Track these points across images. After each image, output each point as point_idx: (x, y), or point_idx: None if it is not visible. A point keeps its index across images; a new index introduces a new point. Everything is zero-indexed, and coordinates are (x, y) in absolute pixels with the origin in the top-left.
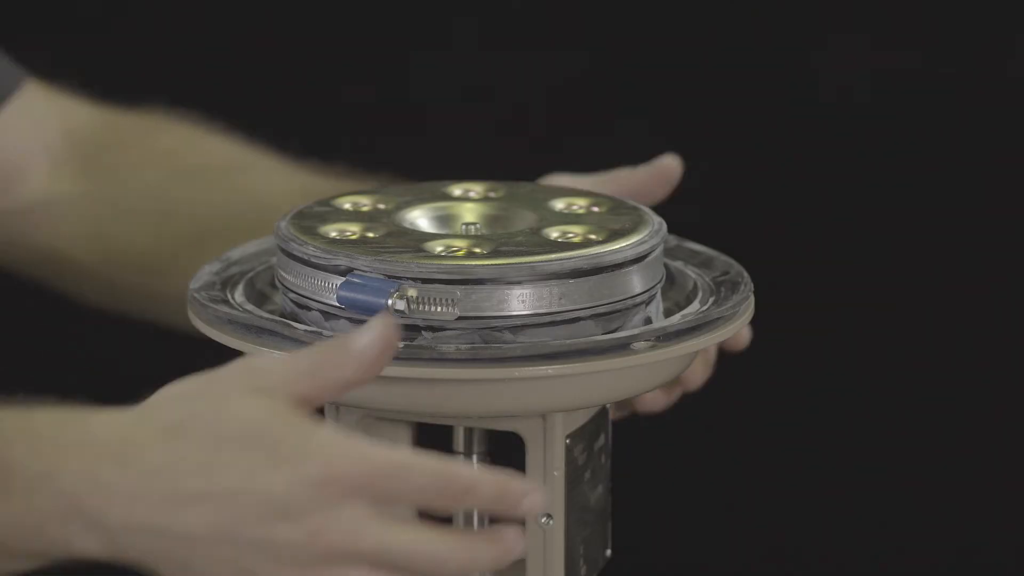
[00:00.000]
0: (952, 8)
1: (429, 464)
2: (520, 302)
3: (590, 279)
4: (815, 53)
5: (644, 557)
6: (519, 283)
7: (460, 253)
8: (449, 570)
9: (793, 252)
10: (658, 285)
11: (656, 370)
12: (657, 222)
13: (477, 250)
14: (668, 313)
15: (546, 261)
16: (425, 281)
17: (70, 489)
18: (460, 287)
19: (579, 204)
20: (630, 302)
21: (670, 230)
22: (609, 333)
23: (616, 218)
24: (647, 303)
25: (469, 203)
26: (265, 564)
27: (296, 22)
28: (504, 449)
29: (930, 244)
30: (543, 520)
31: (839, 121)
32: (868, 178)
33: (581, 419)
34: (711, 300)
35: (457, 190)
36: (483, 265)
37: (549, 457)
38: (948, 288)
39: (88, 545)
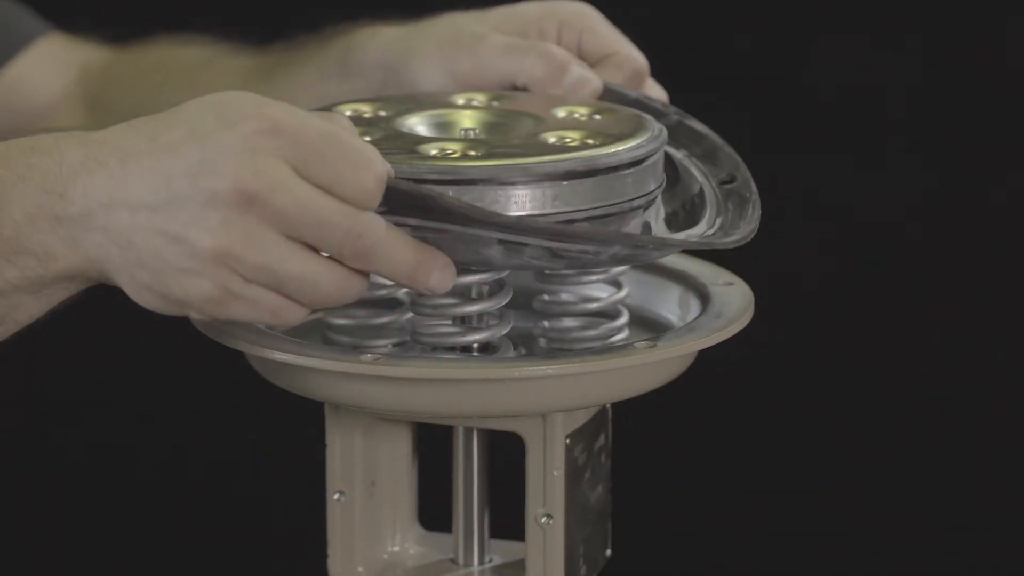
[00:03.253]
0: (950, 5)
1: (354, 152)
2: (515, 204)
3: (585, 181)
4: (814, 48)
5: (644, 557)
6: (512, 184)
7: (454, 155)
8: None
9: (792, 252)
10: (658, 190)
11: (656, 370)
12: (658, 128)
13: (472, 152)
14: (671, 217)
15: (540, 163)
16: (418, 181)
17: (36, 189)
18: (452, 187)
19: (580, 112)
20: (627, 206)
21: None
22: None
23: (616, 124)
24: (645, 208)
25: (469, 110)
26: (191, 227)
27: None
28: (504, 449)
29: (930, 244)
30: (543, 520)
31: (838, 121)
32: (868, 176)
33: (581, 419)
34: (717, 221)
35: (460, 99)
36: (476, 166)
37: (549, 457)
38: (947, 287)
39: (56, 245)
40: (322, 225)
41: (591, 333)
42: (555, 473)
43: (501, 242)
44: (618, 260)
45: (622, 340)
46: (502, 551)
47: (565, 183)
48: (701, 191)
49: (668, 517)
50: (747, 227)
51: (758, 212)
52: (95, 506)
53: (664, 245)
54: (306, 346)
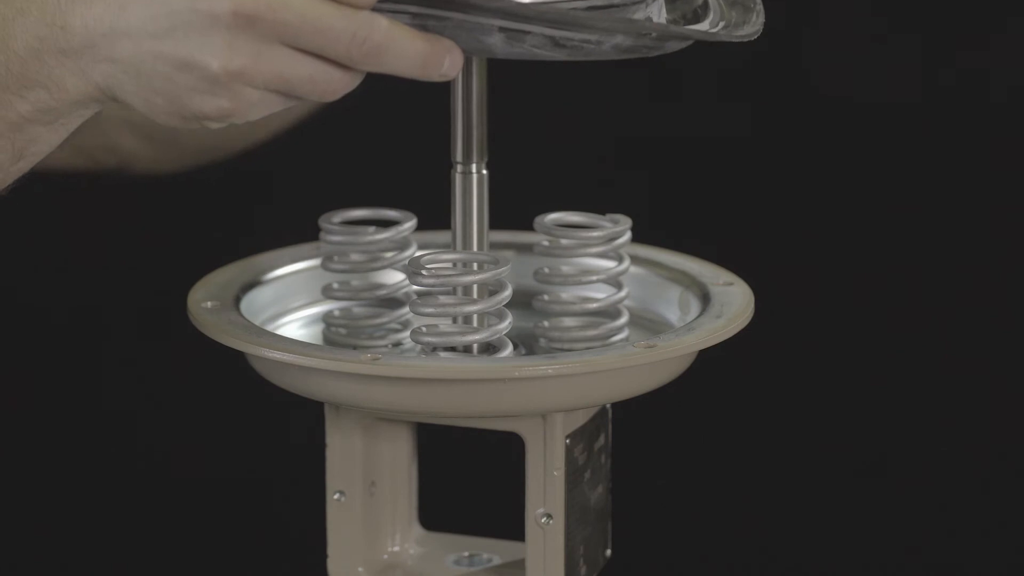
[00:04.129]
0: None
1: None
2: None
3: None
4: (811, 48)
5: (644, 557)
6: None
7: None
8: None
9: (792, 252)
10: None
11: (656, 370)
12: None
13: None
14: (672, 24)
15: None
16: None
17: (36, 23)
18: None
19: None
20: None
21: (661, 235)
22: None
23: None
24: (647, 4)
25: None
26: (197, 53)
27: None
28: (504, 449)
29: (930, 243)
30: (543, 520)
31: (841, 119)
32: (869, 177)
33: (581, 419)
34: (720, 24)
35: None
36: None
37: (549, 457)
38: (948, 287)
39: (65, 77)
40: (326, 34)
41: (591, 333)
42: (555, 473)
43: (502, 29)
44: (620, 51)
45: (622, 340)
46: (502, 551)
47: None
48: (705, 2)
49: (668, 517)
50: (751, 28)
51: (762, 19)
52: (93, 506)
53: (668, 35)
54: (306, 346)
